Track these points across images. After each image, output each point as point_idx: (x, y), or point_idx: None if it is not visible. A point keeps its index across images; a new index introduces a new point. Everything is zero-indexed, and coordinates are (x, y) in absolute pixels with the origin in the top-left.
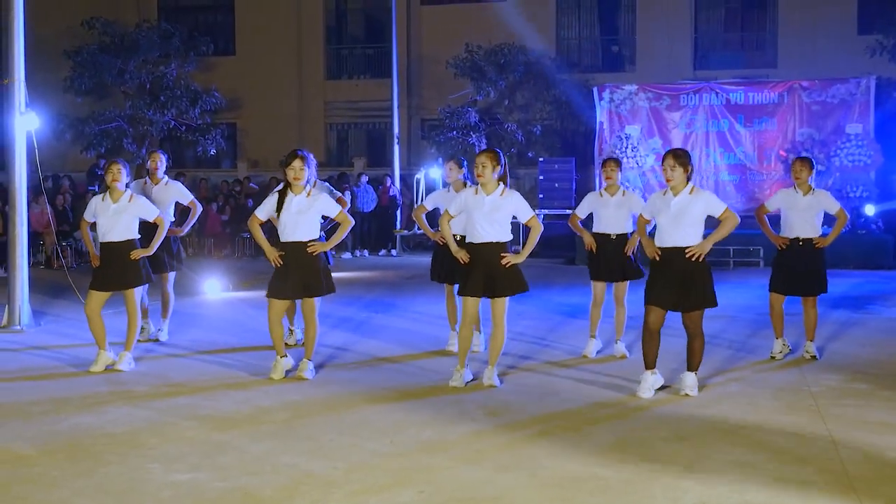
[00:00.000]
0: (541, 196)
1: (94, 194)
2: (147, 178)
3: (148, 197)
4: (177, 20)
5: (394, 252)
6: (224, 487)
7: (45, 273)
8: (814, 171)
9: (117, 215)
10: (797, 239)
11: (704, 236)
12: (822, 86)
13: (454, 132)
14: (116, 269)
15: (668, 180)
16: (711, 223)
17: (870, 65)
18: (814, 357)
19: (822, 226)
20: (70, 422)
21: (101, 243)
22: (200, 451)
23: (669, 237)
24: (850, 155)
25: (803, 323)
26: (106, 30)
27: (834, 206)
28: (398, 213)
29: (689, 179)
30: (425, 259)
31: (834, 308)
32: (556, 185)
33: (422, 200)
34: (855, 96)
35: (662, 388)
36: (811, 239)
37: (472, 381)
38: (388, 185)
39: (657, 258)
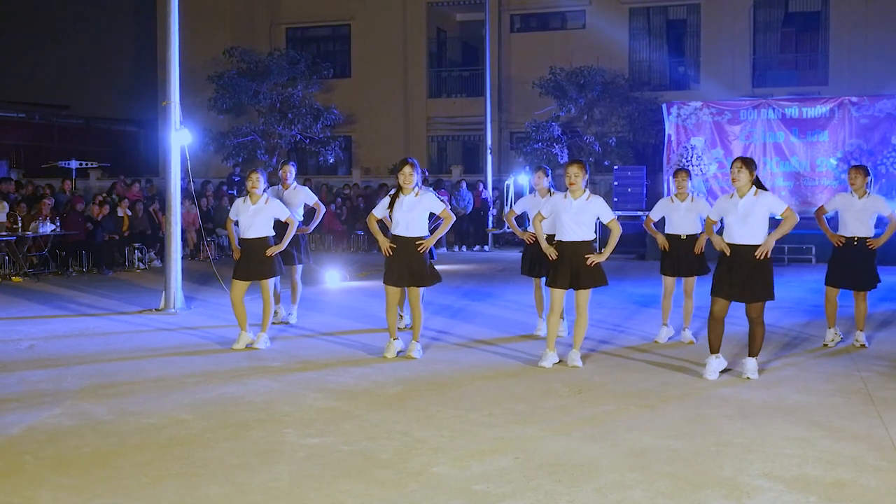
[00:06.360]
0: (615, 199)
1: (233, 198)
2: (279, 184)
3: (280, 200)
4: (302, 48)
5: (486, 248)
6: (348, 450)
7: (192, 264)
8: (868, 177)
9: (255, 215)
10: (852, 238)
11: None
12: (870, 101)
13: (539, 144)
14: (254, 262)
15: (734, 181)
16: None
17: None
18: (863, 345)
19: (875, 227)
20: (218, 391)
21: (241, 239)
22: (327, 418)
23: (738, 235)
24: (895, 163)
25: (854, 314)
26: (243, 57)
27: (886, 210)
28: (490, 213)
29: (753, 184)
30: (513, 254)
31: (882, 301)
32: (629, 189)
33: (511, 205)
34: None
35: (726, 370)
36: (865, 238)
37: (557, 362)
38: (481, 189)
39: (726, 253)
